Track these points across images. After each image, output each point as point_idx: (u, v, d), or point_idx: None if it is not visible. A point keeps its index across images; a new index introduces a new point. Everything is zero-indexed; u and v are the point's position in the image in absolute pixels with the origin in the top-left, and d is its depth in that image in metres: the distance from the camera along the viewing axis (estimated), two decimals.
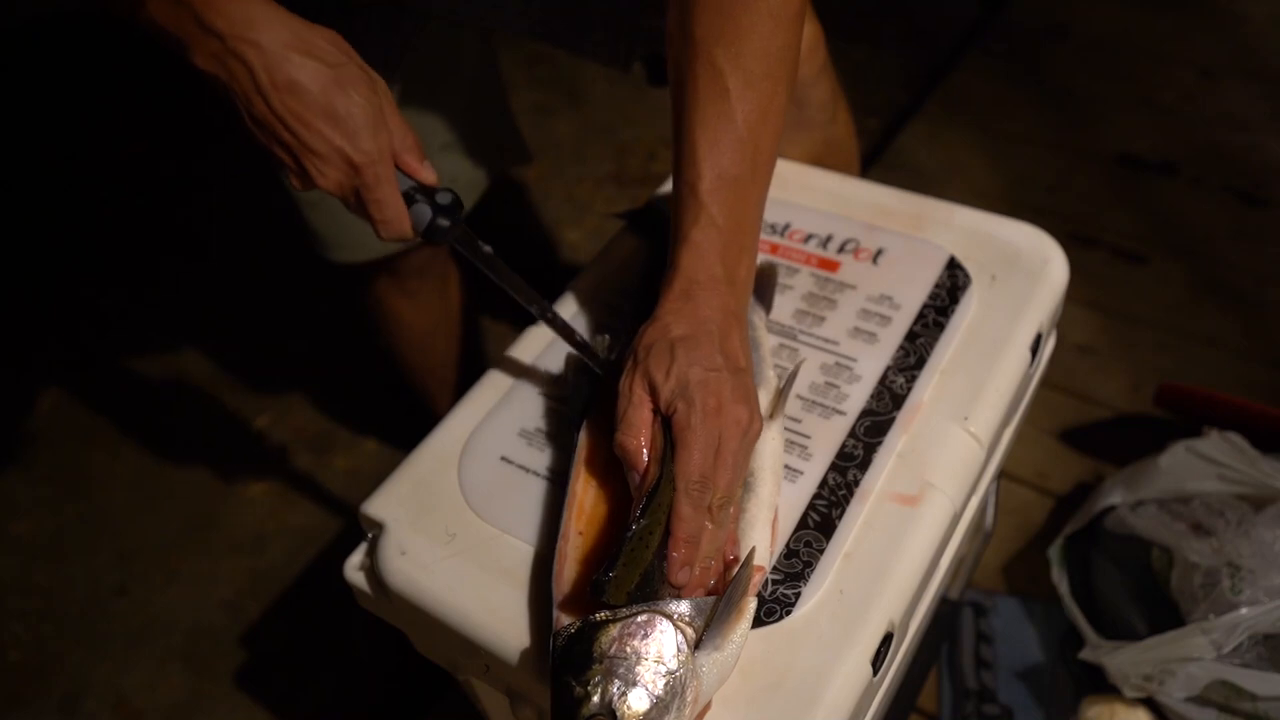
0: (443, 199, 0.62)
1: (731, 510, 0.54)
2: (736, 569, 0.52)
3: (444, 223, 0.62)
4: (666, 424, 0.54)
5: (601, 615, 0.49)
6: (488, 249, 0.64)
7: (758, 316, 0.69)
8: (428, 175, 0.62)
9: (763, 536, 0.56)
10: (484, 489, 0.65)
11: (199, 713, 1.19)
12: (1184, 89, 1.75)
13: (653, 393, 0.55)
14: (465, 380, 1.13)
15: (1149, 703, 0.91)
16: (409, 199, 0.61)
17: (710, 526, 0.52)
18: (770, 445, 0.59)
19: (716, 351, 0.56)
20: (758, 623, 0.54)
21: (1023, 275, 0.74)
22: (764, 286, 0.71)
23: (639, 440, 0.54)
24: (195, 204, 1.94)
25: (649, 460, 0.54)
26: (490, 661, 0.58)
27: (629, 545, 0.50)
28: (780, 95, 0.61)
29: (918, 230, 0.78)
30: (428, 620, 0.60)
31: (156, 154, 2.05)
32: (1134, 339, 1.34)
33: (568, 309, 0.76)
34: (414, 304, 1.10)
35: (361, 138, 0.57)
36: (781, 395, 0.62)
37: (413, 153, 0.61)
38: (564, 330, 0.66)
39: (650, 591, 0.50)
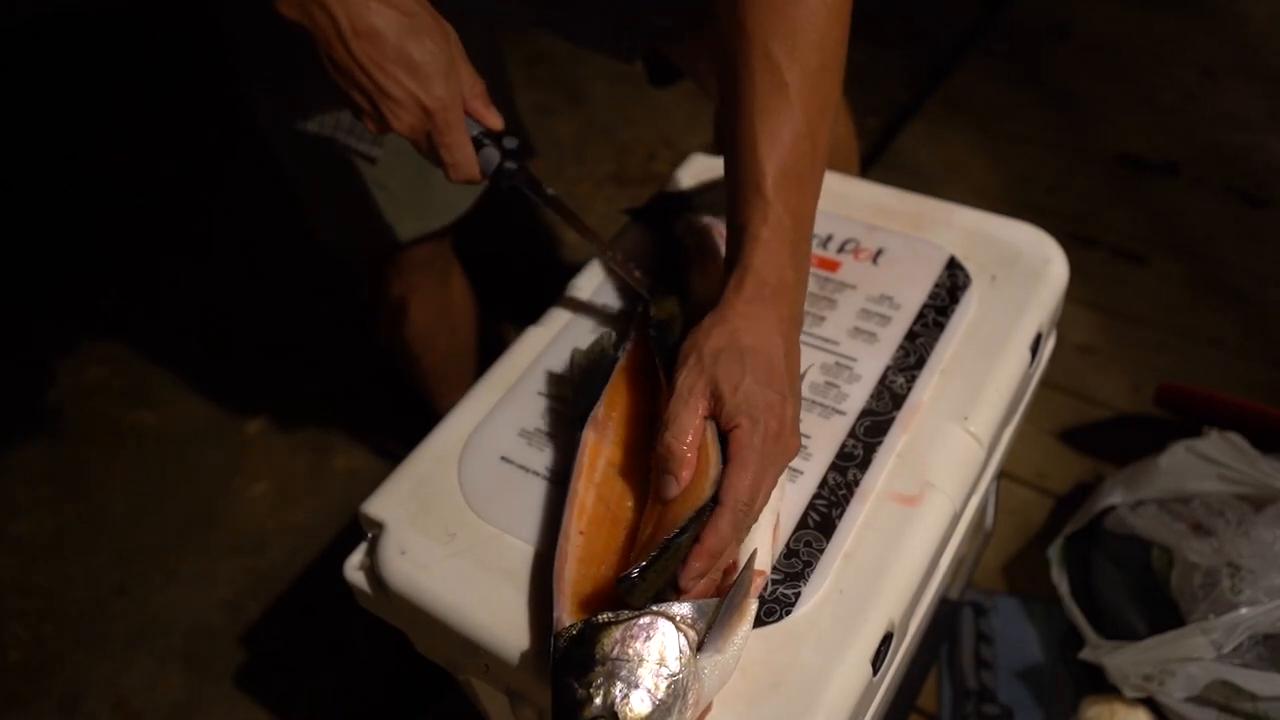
0: (509, 144, 0.65)
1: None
2: (737, 573, 0.52)
3: (511, 166, 0.65)
4: (721, 437, 0.53)
5: (604, 617, 0.49)
6: (551, 191, 0.67)
7: None
8: (494, 121, 0.64)
9: (764, 540, 0.56)
10: (484, 489, 0.65)
11: (199, 713, 1.18)
12: (1185, 89, 1.75)
13: (715, 400, 0.54)
14: (466, 379, 1.14)
15: (1149, 703, 0.91)
16: (477, 144, 0.64)
17: (733, 544, 0.52)
18: None
19: (784, 372, 0.55)
20: (758, 623, 0.54)
21: (1023, 275, 0.74)
22: None
23: (685, 443, 0.53)
24: (195, 204, 1.94)
25: (694, 471, 0.53)
26: (490, 661, 0.58)
27: (666, 555, 0.49)
28: (836, 88, 0.61)
29: (918, 230, 0.78)
30: (428, 620, 0.60)
31: (156, 154, 2.05)
32: (1134, 339, 1.34)
33: (568, 309, 0.76)
34: (415, 300, 1.09)
35: (434, 84, 0.59)
36: None
37: (481, 99, 0.63)
38: (624, 267, 0.69)
39: (660, 596, 0.50)
